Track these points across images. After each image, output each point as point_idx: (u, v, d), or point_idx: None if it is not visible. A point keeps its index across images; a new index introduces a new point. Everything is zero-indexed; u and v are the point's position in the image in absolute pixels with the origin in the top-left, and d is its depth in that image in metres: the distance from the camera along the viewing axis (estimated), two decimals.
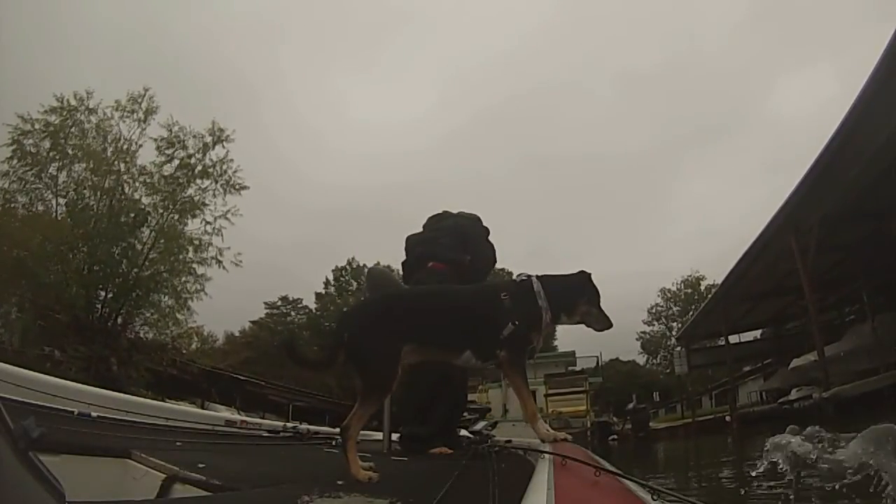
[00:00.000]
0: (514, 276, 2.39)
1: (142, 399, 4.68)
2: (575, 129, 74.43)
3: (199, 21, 71.49)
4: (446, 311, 2.21)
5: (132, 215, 16.60)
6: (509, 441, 3.37)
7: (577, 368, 32.13)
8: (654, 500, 1.74)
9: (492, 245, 3.75)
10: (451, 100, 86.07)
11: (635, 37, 78.78)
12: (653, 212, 71.50)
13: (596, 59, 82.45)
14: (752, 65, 72.07)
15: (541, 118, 78.79)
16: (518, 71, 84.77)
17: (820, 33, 69.72)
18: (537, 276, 2.31)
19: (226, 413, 8.35)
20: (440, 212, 3.92)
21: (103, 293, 16.30)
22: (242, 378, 23.11)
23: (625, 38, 78.46)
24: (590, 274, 2.41)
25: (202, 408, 13.58)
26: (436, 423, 3.29)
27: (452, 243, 3.54)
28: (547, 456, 2.03)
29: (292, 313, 38.63)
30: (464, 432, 4.56)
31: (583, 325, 2.40)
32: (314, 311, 38.30)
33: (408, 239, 3.77)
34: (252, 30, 70.69)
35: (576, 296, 2.35)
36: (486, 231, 3.82)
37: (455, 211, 3.91)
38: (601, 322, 2.38)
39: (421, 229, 3.87)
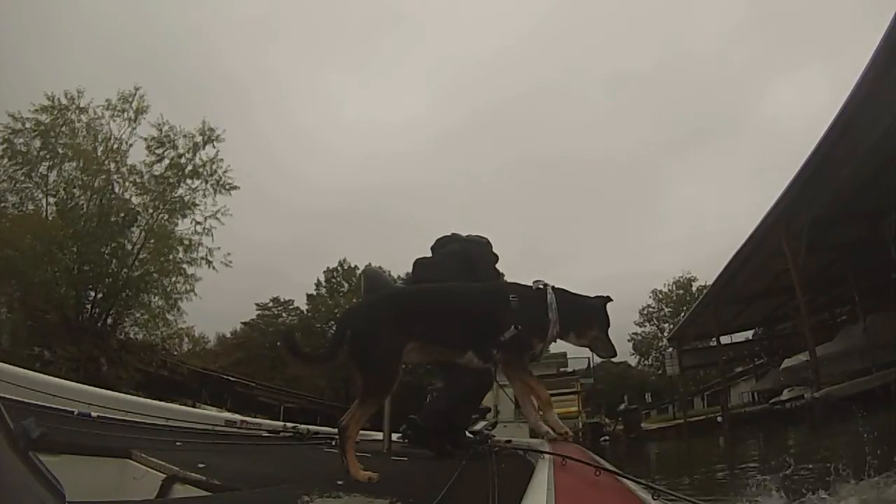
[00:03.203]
0: (531, 283, 2.33)
1: (142, 399, 4.66)
2: (567, 131, 74.41)
3: (191, 20, 70.91)
4: (451, 310, 2.18)
5: (122, 215, 16.56)
6: (509, 441, 3.35)
7: (569, 370, 32.08)
8: (654, 499, 1.74)
9: (499, 272, 3.61)
10: (444, 101, 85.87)
11: (627, 40, 78.92)
12: (645, 213, 71.54)
13: (588, 62, 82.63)
14: (745, 68, 72.20)
15: (533, 120, 78.75)
16: (510, 73, 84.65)
17: (812, 37, 70.14)
18: (553, 288, 2.27)
19: (224, 413, 8.32)
20: (449, 234, 3.79)
21: (93, 293, 16.25)
22: (233, 379, 23.01)
23: (617, 41, 78.65)
24: (609, 300, 2.38)
25: None
26: (447, 422, 3.22)
27: (459, 269, 3.39)
28: (547, 456, 2.02)
29: (284, 314, 38.36)
30: None
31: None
32: (305, 312, 38.06)
33: (415, 263, 3.65)
34: (243, 29, 70.05)
35: (590, 319, 2.32)
36: (495, 258, 3.68)
37: (464, 234, 3.77)
38: (607, 350, 2.38)
39: (429, 252, 3.74)
